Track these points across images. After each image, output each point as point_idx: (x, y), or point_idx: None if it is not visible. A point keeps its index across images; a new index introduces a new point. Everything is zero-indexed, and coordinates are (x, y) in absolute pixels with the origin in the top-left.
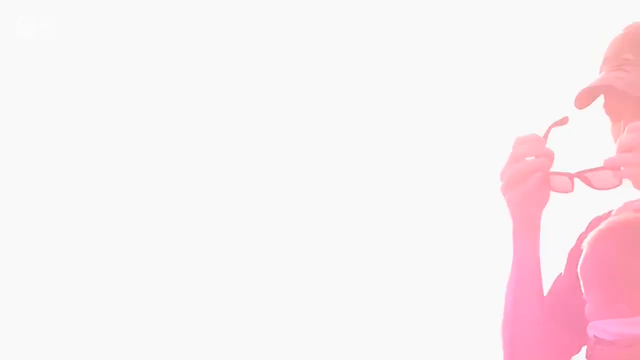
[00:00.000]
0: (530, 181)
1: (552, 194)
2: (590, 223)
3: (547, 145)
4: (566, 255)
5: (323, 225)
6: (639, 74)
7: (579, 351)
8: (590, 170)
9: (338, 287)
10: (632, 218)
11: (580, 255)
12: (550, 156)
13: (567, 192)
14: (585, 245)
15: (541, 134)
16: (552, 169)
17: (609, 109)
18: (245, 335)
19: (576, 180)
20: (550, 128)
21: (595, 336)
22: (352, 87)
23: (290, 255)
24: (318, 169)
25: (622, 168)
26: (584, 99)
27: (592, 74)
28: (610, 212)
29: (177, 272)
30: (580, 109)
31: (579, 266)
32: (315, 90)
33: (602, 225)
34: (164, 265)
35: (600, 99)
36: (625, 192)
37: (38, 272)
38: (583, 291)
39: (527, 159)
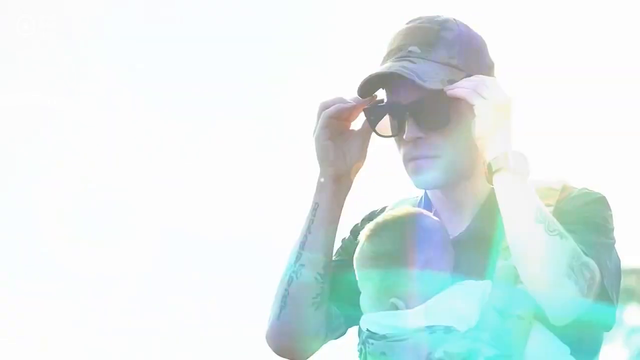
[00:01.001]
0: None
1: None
2: (365, 216)
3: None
4: (339, 242)
5: None
6: (425, 66)
7: (344, 334)
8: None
9: None
10: (407, 212)
11: (355, 246)
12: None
13: (391, 136)
14: (361, 237)
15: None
16: None
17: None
18: None
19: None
20: (360, 103)
21: (368, 330)
22: None
23: None
24: None
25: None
26: (366, 88)
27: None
28: (384, 207)
29: None
30: (363, 97)
31: (354, 258)
32: None
33: (379, 218)
34: None
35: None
36: (402, 189)
37: None
38: (358, 281)
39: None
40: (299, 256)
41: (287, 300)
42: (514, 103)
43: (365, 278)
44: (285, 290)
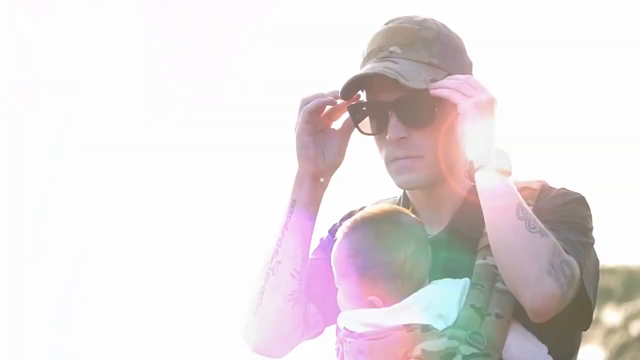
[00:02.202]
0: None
1: None
2: (343, 216)
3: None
4: (317, 241)
5: None
6: (407, 66)
7: (321, 333)
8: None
9: None
10: (386, 209)
11: (333, 243)
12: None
13: (374, 134)
14: (339, 234)
15: None
16: None
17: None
18: None
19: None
20: (341, 100)
21: (345, 328)
22: None
23: None
24: None
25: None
26: (349, 89)
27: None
28: (363, 207)
29: None
30: (346, 99)
31: (332, 254)
32: None
33: (357, 215)
34: None
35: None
36: (381, 189)
37: None
38: (335, 279)
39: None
40: (275, 252)
41: (263, 296)
42: (497, 102)
43: (342, 275)
44: (262, 286)
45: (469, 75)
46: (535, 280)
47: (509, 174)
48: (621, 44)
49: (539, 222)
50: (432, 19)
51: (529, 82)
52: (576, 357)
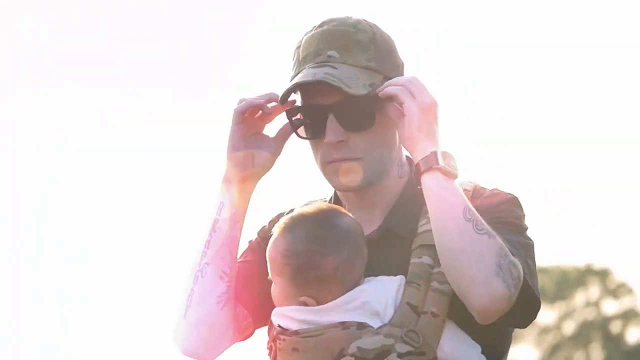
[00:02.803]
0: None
1: None
2: (272, 218)
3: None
4: (246, 243)
5: None
6: (346, 71)
7: (251, 335)
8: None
9: None
10: (323, 209)
11: (261, 248)
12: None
13: (312, 138)
14: (275, 230)
15: None
16: None
17: None
18: None
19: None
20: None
21: (279, 326)
22: None
23: None
24: None
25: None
26: (285, 93)
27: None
28: (292, 210)
29: None
30: (283, 104)
31: (268, 249)
32: None
33: (294, 213)
34: None
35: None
36: (310, 192)
37: None
38: (270, 274)
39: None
40: (204, 254)
41: (192, 298)
42: (439, 105)
43: (276, 273)
44: (191, 289)
45: (414, 76)
46: (483, 281)
47: (455, 176)
48: (621, 44)
49: (486, 224)
50: (365, 20)
51: (527, 82)
52: (507, 356)
